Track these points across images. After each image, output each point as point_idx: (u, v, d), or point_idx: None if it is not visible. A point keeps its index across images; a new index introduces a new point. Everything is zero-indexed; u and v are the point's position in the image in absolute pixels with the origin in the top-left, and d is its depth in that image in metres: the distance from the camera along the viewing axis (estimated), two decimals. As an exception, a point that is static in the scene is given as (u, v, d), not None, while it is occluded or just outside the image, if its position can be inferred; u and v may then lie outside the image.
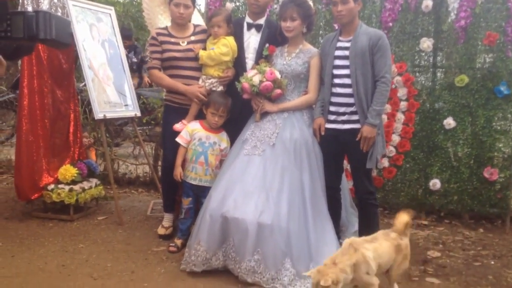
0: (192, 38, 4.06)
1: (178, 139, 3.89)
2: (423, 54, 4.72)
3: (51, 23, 1.69)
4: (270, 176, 3.46)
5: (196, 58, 3.96)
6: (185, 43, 4.02)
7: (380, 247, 2.89)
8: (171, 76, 4.03)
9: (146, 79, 8.03)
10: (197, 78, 4.00)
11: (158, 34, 4.05)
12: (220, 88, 3.94)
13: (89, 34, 4.81)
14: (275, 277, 3.18)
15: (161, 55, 4.01)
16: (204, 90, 3.91)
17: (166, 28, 4.14)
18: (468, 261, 3.82)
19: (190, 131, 3.88)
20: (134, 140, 6.19)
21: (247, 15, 4.00)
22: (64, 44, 1.84)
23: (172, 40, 4.02)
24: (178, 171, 3.88)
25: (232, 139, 3.91)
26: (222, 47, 3.86)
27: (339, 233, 3.77)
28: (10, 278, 3.29)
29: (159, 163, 5.61)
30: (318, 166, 3.60)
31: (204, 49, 3.97)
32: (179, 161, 3.89)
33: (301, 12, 3.57)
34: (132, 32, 8.49)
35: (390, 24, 4.69)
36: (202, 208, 3.53)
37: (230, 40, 3.89)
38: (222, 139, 3.92)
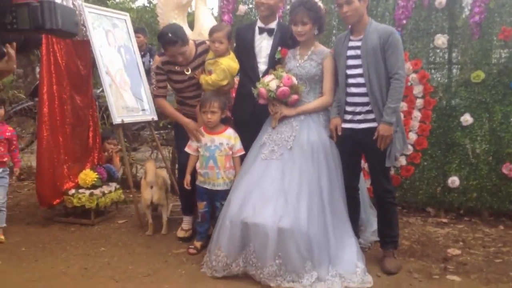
0: (195, 62, 4.01)
1: (187, 149, 3.93)
2: (438, 50, 4.69)
3: (56, 12, 1.65)
4: (288, 180, 3.43)
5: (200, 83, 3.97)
6: (189, 71, 4.00)
7: None
8: (180, 102, 4.14)
9: None
10: None
11: (164, 63, 4.01)
12: None
13: (106, 40, 4.87)
14: (296, 280, 3.18)
15: (167, 84, 4.07)
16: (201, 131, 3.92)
17: None
18: (488, 258, 3.79)
19: None
20: (152, 144, 6.25)
21: (258, 20, 3.97)
22: (70, 34, 1.80)
23: (177, 68, 3.99)
24: (187, 180, 3.92)
25: (245, 140, 3.89)
26: (220, 73, 3.83)
27: (358, 232, 3.76)
28: (34, 282, 3.36)
29: (177, 166, 5.64)
30: (336, 168, 3.58)
31: (204, 71, 3.97)
32: (189, 169, 3.92)
33: (311, 16, 3.52)
34: (146, 31, 8.44)
35: (404, 21, 4.68)
36: (221, 214, 3.53)
37: (228, 63, 3.85)
38: (229, 137, 3.87)
